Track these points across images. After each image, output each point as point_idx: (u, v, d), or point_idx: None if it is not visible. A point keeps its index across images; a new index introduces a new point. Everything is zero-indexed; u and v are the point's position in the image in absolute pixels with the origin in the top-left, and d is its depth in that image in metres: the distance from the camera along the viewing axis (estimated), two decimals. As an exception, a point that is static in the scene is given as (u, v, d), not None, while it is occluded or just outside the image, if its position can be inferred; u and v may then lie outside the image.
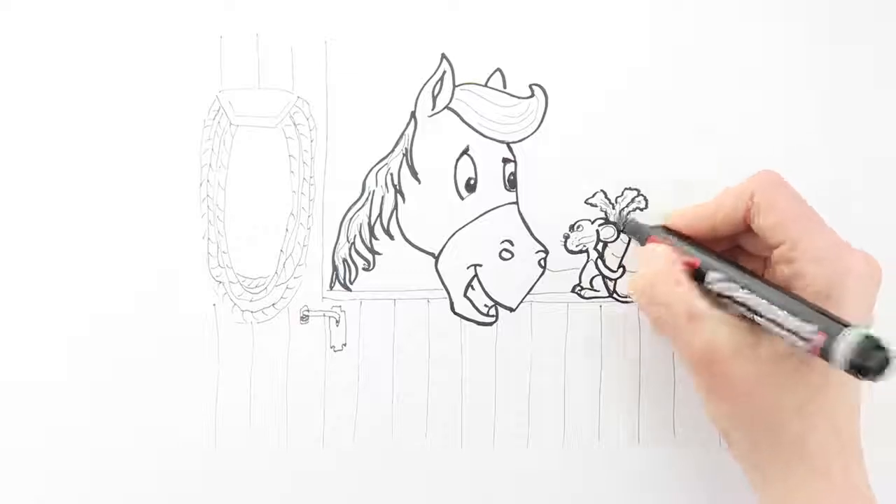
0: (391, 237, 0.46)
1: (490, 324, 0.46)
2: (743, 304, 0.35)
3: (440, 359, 0.46)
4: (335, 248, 0.46)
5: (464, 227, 0.46)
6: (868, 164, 0.45)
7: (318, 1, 0.47)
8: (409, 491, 0.46)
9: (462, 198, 0.46)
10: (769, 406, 0.35)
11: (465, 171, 0.46)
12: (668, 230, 0.42)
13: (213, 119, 0.47)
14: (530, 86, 0.46)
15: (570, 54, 0.46)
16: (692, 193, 0.45)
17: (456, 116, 0.46)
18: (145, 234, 0.47)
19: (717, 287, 0.36)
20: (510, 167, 0.46)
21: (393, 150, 0.46)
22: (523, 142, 0.46)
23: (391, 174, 0.46)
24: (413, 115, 0.46)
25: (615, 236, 0.46)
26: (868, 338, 0.31)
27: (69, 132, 0.47)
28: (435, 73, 0.46)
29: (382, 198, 0.46)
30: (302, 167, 0.47)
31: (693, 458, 0.45)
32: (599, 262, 0.46)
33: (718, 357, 0.35)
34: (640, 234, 0.43)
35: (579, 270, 0.46)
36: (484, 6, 0.46)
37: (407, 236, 0.46)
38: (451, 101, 0.46)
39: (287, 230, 0.46)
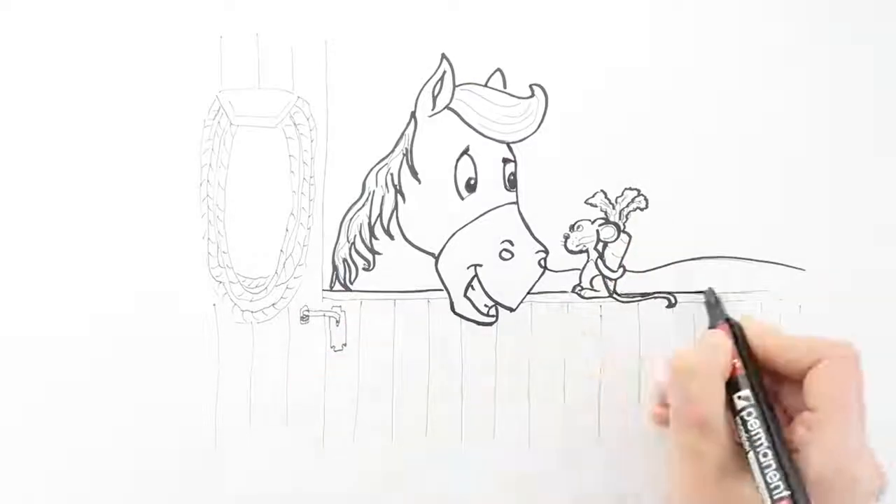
0: (391, 237, 0.46)
1: (490, 324, 0.46)
2: (748, 432, 0.36)
3: (440, 358, 0.46)
4: (335, 248, 0.46)
5: (464, 227, 0.46)
6: (868, 164, 0.45)
7: (318, 1, 0.47)
8: (409, 491, 0.46)
9: (462, 198, 0.46)
10: None
11: (465, 171, 0.46)
12: (739, 329, 0.40)
13: (213, 119, 0.47)
14: (530, 86, 0.46)
15: (570, 54, 0.46)
16: (692, 193, 0.45)
17: (456, 116, 0.46)
18: (145, 233, 0.47)
19: (740, 404, 0.36)
20: (510, 167, 0.46)
21: (393, 150, 0.46)
22: (523, 142, 0.46)
23: (391, 174, 0.46)
24: (413, 115, 0.46)
25: (615, 236, 0.46)
26: None
27: (69, 132, 0.47)
28: (435, 73, 0.46)
29: (382, 198, 0.46)
30: (302, 167, 0.47)
31: (693, 458, 0.45)
32: (599, 262, 0.46)
33: (698, 469, 0.36)
34: (714, 313, 0.42)
35: (579, 270, 0.46)
36: (484, 6, 0.46)
37: (407, 236, 0.46)
38: (451, 101, 0.46)
39: (287, 230, 0.47)
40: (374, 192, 0.46)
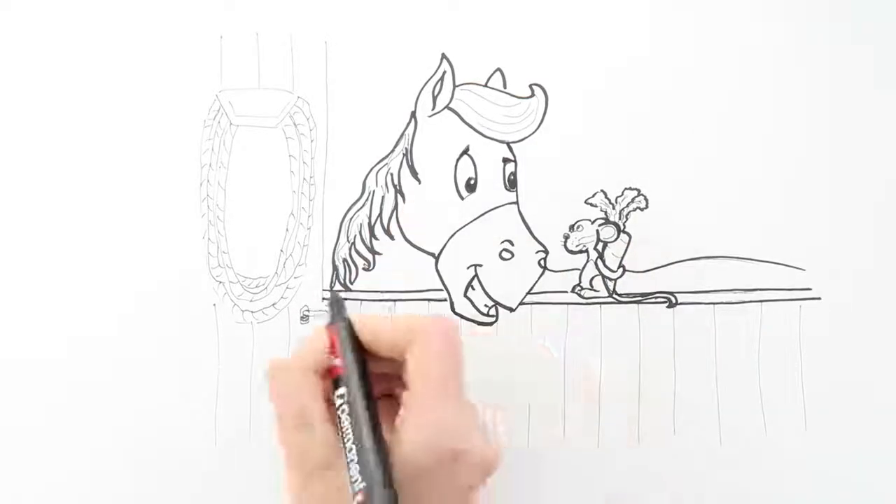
0: (391, 237, 0.46)
1: (490, 324, 0.46)
2: (342, 430, 0.35)
3: (440, 359, 0.46)
4: (335, 248, 0.46)
5: (464, 227, 0.46)
6: (868, 164, 0.45)
7: (317, 1, 0.47)
8: (409, 491, 0.45)
9: (462, 198, 0.46)
10: None
11: (465, 171, 0.46)
12: (349, 326, 0.38)
13: (213, 119, 0.47)
14: (530, 86, 0.46)
15: (570, 54, 0.46)
16: (692, 193, 0.45)
17: (456, 116, 0.46)
18: (146, 234, 0.47)
19: (337, 402, 0.36)
20: (510, 167, 0.46)
21: (393, 150, 0.46)
22: (523, 142, 0.46)
23: (391, 174, 0.46)
24: (413, 115, 0.46)
25: (615, 236, 0.46)
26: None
27: (69, 132, 0.47)
28: (435, 73, 0.46)
29: (382, 198, 0.46)
30: (302, 167, 0.47)
31: (693, 457, 0.45)
32: (599, 261, 0.46)
33: (301, 466, 0.35)
34: (335, 314, 0.39)
35: (579, 270, 0.46)
36: (484, 6, 0.46)
37: (407, 236, 0.46)
38: (451, 101, 0.46)
39: (287, 230, 0.47)
40: (374, 192, 0.46)
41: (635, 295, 0.45)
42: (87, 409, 0.46)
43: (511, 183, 0.46)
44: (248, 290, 0.46)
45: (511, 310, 0.46)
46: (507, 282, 0.46)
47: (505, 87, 0.46)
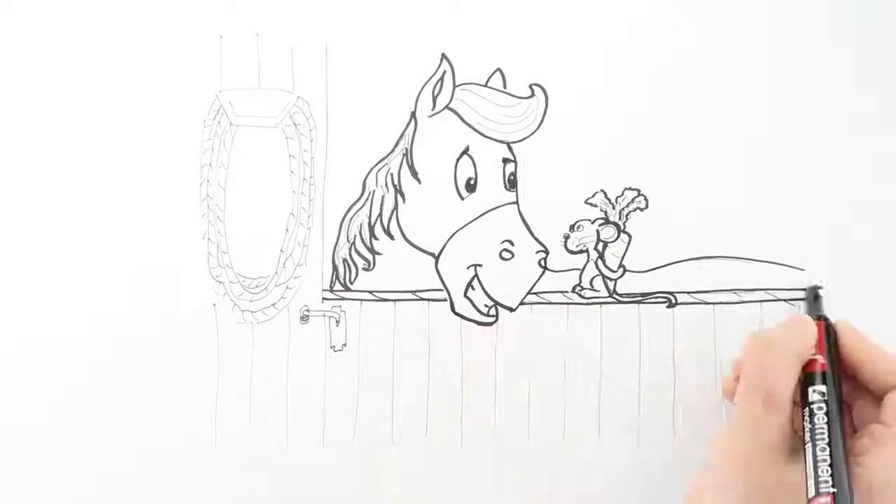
0: (391, 237, 0.46)
1: (490, 324, 0.46)
2: (813, 425, 0.36)
3: (440, 359, 0.46)
4: (335, 248, 0.46)
5: (464, 227, 0.46)
6: (868, 163, 0.45)
7: (318, 1, 0.47)
8: (408, 491, 0.46)
9: (462, 198, 0.46)
10: None
11: (465, 171, 0.46)
12: (833, 330, 0.40)
13: (213, 119, 0.47)
14: (530, 86, 0.46)
15: (570, 54, 0.46)
16: (692, 193, 0.45)
17: (456, 116, 0.46)
18: (145, 233, 0.47)
19: (813, 398, 0.37)
20: (510, 167, 0.46)
21: (393, 150, 0.46)
22: (523, 142, 0.46)
23: (391, 174, 0.46)
24: (413, 115, 0.46)
25: (615, 236, 0.46)
26: None
27: (69, 132, 0.47)
28: (435, 73, 0.46)
29: (382, 198, 0.46)
30: (302, 167, 0.47)
31: (693, 458, 0.45)
32: (600, 262, 0.46)
33: (751, 441, 0.36)
34: (814, 309, 0.43)
35: (579, 270, 0.46)
36: (484, 6, 0.46)
37: (407, 236, 0.46)
38: (451, 101, 0.46)
39: (287, 230, 0.47)
40: (374, 192, 0.46)
41: (635, 295, 0.45)
42: (87, 409, 0.46)
43: (511, 183, 0.46)
44: (248, 290, 0.46)
45: (511, 310, 0.46)
46: (507, 282, 0.46)
47: (505, 87, 0.46)
